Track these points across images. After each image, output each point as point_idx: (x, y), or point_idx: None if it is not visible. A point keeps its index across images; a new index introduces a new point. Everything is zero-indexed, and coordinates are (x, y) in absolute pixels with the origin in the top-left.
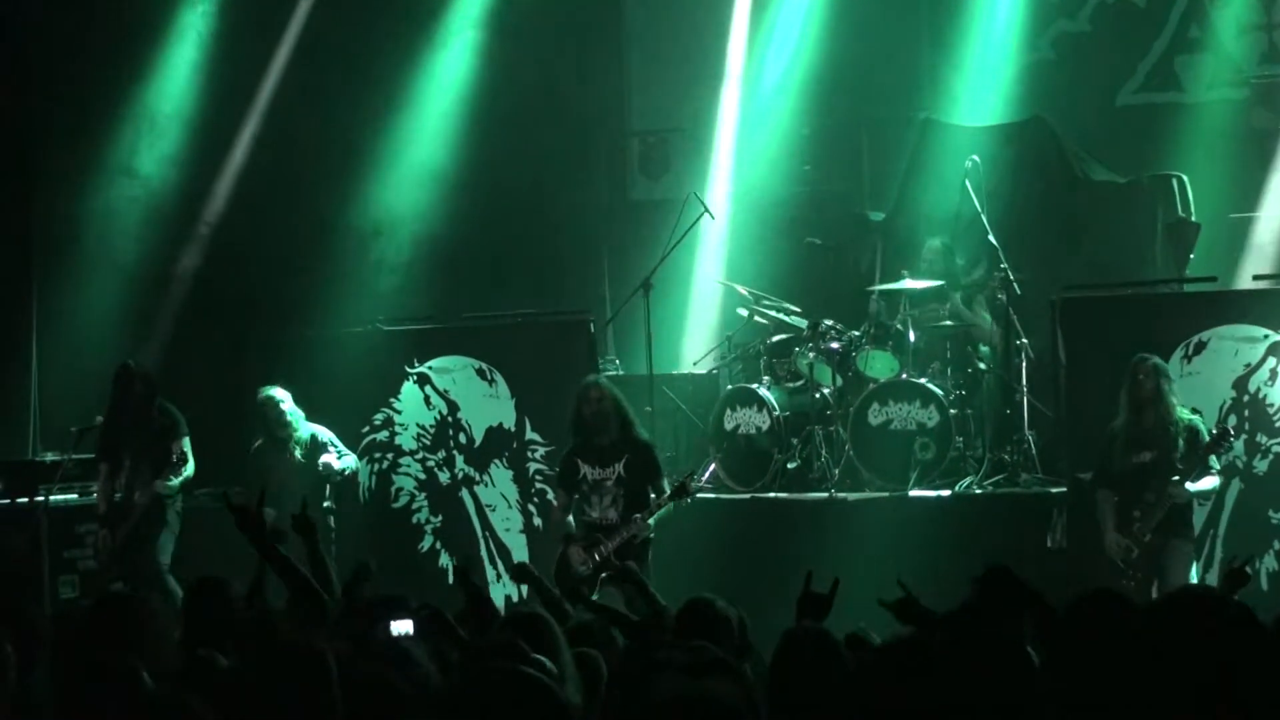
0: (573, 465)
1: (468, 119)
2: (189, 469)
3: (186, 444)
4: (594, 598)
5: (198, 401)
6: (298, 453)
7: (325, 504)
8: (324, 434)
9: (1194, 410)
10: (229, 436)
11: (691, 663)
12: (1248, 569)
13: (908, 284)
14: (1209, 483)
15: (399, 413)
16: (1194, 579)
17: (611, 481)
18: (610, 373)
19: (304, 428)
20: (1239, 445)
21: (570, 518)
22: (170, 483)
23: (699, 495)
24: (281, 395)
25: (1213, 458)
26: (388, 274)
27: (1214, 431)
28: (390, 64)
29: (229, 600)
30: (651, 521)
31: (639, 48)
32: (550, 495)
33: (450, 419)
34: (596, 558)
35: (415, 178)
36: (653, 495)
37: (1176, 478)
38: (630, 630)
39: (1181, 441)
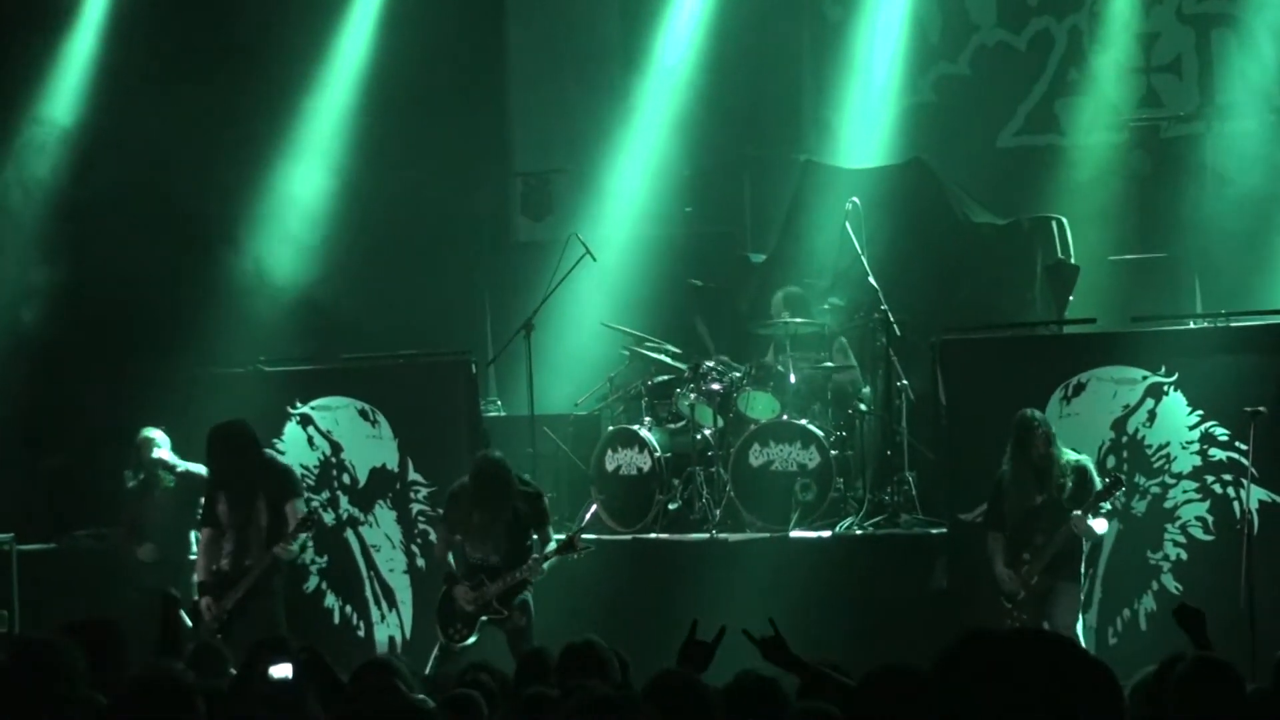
0: (462, 506)
1: (350, 156)
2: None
3: (301, 505)
4: (472, 638)
5: (74, 439)
6: (165, 494)
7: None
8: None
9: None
10: (106, 475)
11: (580, 703)
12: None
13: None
14: (1102, 525)
15: (282, 453)
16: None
17: (498, 528)
18: (492, 414)
19: (182, 467)
20: None
21: (451, 556)
22: (292, 546)
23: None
24: (158, 438)
25: (1104, 504)
26: (269, 312)
27: (1107, 480)
28: (272, 97)
29: (119, 640)
30: (544, 568)
31: (520, 94)
32: (433, 536)
33: (334, 460)
34: (481, 599)
35: (296, 214)
36: (536, 539)
37: (1078, 511)
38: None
39: (1070, 484)
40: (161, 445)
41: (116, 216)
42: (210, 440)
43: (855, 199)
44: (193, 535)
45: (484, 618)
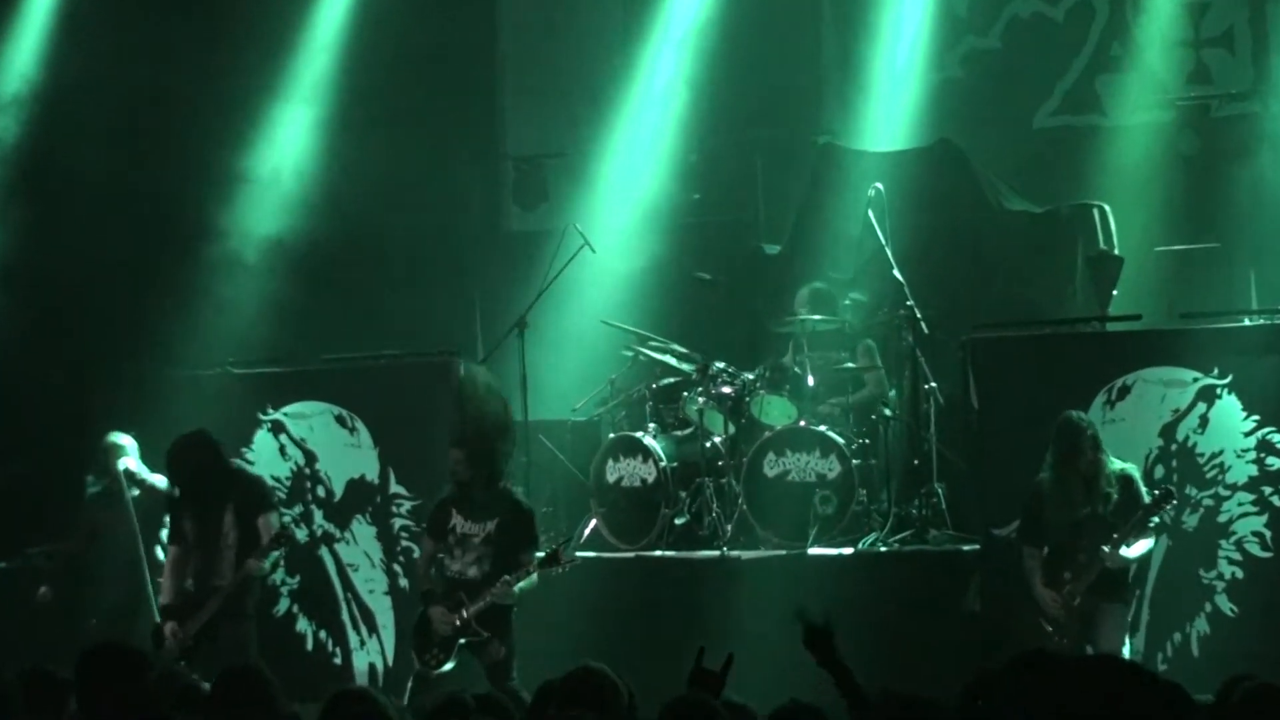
0: (445, 513)
1: (330, 139)
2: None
3: (275, 519)
4: (450, 664)
5: (34, 444)
6: (129, 506)
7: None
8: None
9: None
10: (68, 483)
11: None
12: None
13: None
14: (1143, 546)
15: (252, 464)
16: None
17: (479, 539)
18: None
19: (148, 478)
20: None
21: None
22: (264, 562)
23: (579, 554)
24: (126, 444)
25: (1154, 518)
26: (240, 309)
27: (1156, 493)
28: (248, 76)
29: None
30: (515, 590)
31: (514, 68)
32: (418, 553)
33: (307, 470)
34: (459, 621)
35: (272, 206)
36: (522, 558)
37: (1107, 548)
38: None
39: (1115, 494)
40: (129, 452)
41: (79, 202)
42: (171, 453)
43: (878, 184)
44: (158, 553)
45: (462, 640)
